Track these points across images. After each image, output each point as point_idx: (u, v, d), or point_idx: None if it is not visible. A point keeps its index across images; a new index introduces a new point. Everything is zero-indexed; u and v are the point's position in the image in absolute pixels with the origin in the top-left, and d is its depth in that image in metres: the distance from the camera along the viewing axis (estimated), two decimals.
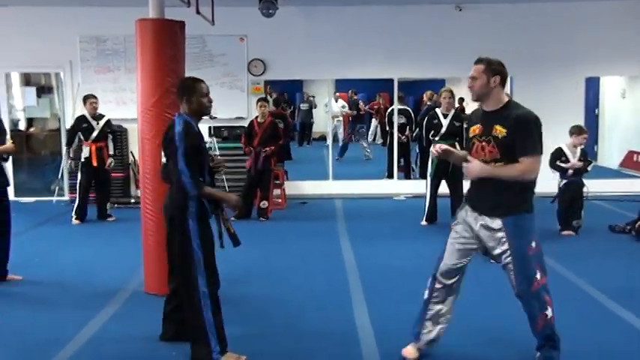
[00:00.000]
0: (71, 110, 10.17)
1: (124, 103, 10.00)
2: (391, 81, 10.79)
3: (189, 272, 3.82)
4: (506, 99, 3.62)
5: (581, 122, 9.12)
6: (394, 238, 7.51)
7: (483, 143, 3.54)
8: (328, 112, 12.13)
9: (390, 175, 11.10)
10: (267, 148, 8.63)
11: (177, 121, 3.84)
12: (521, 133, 3.47)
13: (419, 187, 9.41)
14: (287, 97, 16.23)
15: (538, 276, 3.62)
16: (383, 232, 7.92)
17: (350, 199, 10.27)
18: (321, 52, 10.30)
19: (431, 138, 8.13)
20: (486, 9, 10.16)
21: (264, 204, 8.72)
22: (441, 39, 10.26)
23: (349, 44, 10.27)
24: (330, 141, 11.41)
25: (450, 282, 3.92)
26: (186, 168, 3.71)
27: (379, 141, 16.21)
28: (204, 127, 9.84)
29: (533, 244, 3.62)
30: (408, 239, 7.45)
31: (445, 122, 8.04)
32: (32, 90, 11.23)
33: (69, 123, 10.11)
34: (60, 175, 10.12)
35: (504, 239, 3.61)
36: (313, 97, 17.28)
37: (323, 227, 8.23)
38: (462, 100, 13.79)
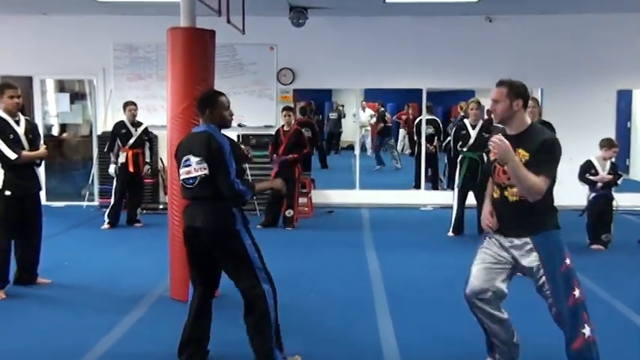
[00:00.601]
0: (103, 117, 10.34)
1: (155, 110, 10.13)
2: (420, 91, 10.77)
3: (253, 278, 3.89)
4: (529, 122, 3.59)
5: (612, 135, 9.01)
6: (420, 249, 7.48)
7: (506, 167, 3.44)
8: (356, 122, 12.13)
9: (418, 186, 11.06)
10: (291, 155, 8.65)
11: (214, 134, 3.85)
12: (544, 154, 3.42)
13: (446, 197, 9.38)
14: (314, 106, 16.26)
15: (577, 292, 3.52)
16: (409, 242, 7.88)
17: (377, 208, 10.25)
18: (350, 62, 10.33)
19: (459, 149, 8.10)
20: (516, 20, 10.09)
21: (289, 212, 8.75)
22: (470, 50, 10.22)
23: (378, 54, 10.29)
24: (357, 150, 11.41)
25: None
26: (236, 178, 3.81)
27: (407, 151, 16.17)
28: (233, 134, 9.99)
29: (567, 261, 3.54)
30: (435, 250, 7.41)
31: (473, 133, 8.01)
32: (66, 96, 11.45)
33: (100, 129, 10.30)
34: (90, 181, 10.28)
35: (536, 256, 3.53)
36: (342, 106, 17.31)
37: (349, 236, 8.23)
38: (489, 111, 13.69)
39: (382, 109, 15.60)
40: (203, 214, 3.84)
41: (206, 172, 3.79)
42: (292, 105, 10.20)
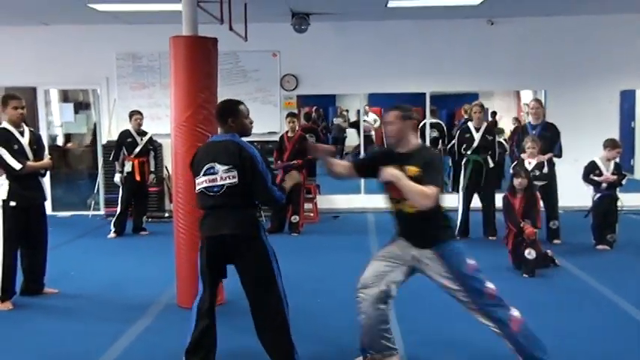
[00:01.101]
0: (107, 126, 10.37)
1: (159, 118, 10.15)
2: (423, 95, 10.77)
3: (276, 287, 3.98)
4: (418, 142, 3.93)
5: (616, 135, 8.98)
6: None
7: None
8: (361, 127, 12.13)
9: None
10: (295, 161, 8.66)
11: (242, 143, 3.92)
12: (431, 170, 3.67)
13: (451, 200, 9.34)
14: (322, 113, 16.27)
15: (489, 285, 3.84)
16: None
17: (382, 213, 10.17)
18: (353, 67, 10.34)
19: (463, 152, 8.10)
20: (519, 22, 10.09)
21: (295, 218, 8.75)
22: (473, 53, 10.22)
23: (381, 59, 10.30)
24: (362, 155, 11.40)
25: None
26: (272, 184, 3.91)
27: None
28: None
29: (470, 261, 3.83)
30: None
31: (477, 136, 8.01)
32: (70, 106, 11.49)
33: (105, 138, 10.33)
34: (96, 190, 10.31)
35: (441, 265, 3.83)
36: (347, 111, 17.30)
37: (355, 241, 8.21)
38: (494, 113, 13.71)
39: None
40: (231, 221, 3.86)
41: (235, 180, 3.81)
42: (296, 111, 10.21)
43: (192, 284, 4.85)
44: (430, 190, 3.59)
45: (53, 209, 10.01)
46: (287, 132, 8.94)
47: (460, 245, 3.93)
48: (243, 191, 3.85)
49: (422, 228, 3.85)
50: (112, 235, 8.63)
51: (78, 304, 5.67)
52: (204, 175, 3.86)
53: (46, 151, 6.05)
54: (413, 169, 3.68)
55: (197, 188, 3.92)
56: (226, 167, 3.81)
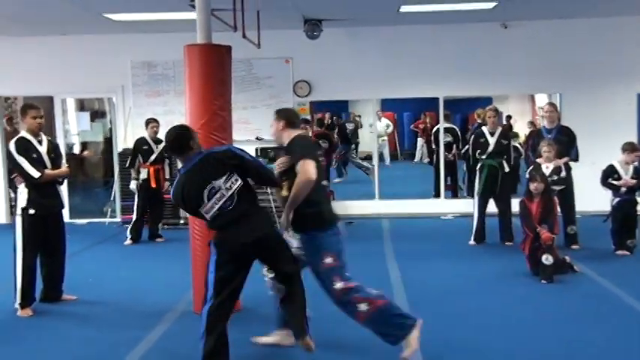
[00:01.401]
0: (123, 134, 10.44)
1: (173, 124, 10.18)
2: (437, 100, 10.76)
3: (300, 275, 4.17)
4: (292, 135, 4.34)
5: (634, 139, 8.93)
6: (442, 258, 7.44)
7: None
8: (373, 132, 12.12)
9: (437, 195, 11.02)
10: None
11: (214, 150, 4.15)
12: (290, 151, 4.22)
13: (466, 206, 9.32)
14: (335, 119, 16.28)
15: (338, 286, 4.10)
16: (430, 251, 7.85)
17: (397, 218, 10.22)
18: (366, 72, 10.35)
19: (477, 156, 8.07)
20: (533, 25, 10.05)
21: None
22: (486, 57, 10.19)
23: (394, 64, 10.30)
24: (375, 160, 11.41)
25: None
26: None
27: (425, 160, 16.13)
28: (250, 148, 10.07)
29: (328, 259, 4.10)
30: (456, 259, 7.36)
31: (492, 140, 7.98)
32: (86, 115, 11.61)
33: (120, 146, 10.40)
34: (112, 198, 10.38)
35: (304, 251, 4.23)
36: (359, 116, 17.31)
37: (369, 247, 8.20)
38: (509, 117, 13.65)
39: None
40: (260, 222, 3.99)
41: (239, 181, 3.92)
42: (309, 117, 10.21)
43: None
44: (299, 165, 3.98)
45: (70, 217, 10.07)
46: None
47: (326, 239, 4.13)
48: (248, 188, 3.98)
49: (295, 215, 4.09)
50: (128, 242, 8.68)
51: (96, 310, 5.71)
52: (208, 199, 3.87)
53: (64, 160, 6.10)
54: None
55: (209, 215, 3.92)
56: (224, 177, 3.88)
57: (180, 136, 4.04)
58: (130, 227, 8.78)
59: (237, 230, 3.91)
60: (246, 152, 4.08)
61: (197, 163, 3.94)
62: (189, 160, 3.97)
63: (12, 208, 7.74)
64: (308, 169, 3.97)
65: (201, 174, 3.90)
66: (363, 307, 4.12)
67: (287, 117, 4.53)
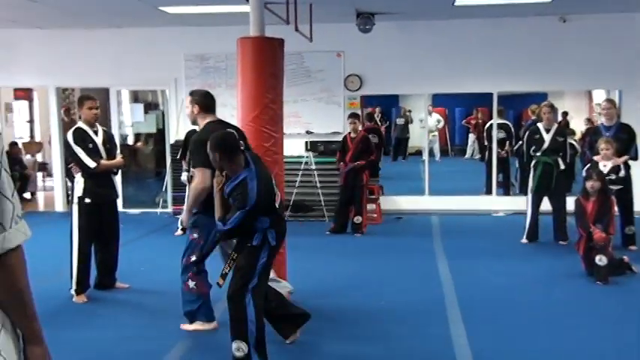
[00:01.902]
0: (175, 126, 10.60)
1: (225, 118, 10.24)
2: (489, 95, 10.57)
3: None
4: (207, 121, 4.67)
5: None
6: (493, 256, 7.31)
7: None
8: (424, 127, 12.00)
9: (489, 191, 10.84)
10: (357, 163, 8.63)
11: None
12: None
13: (518, 203, 9.15)
14: (383, 113, 16.19)
15: (191, 258, 4.74)
16: (481, 249, 7.73)
17: (447, 215, 10.10)
18: (418, 67, 10.23)
19: (532, 153, 7.89)
20: (593, 19, 9.75)
21: (357, 219, 8.72)
22: (543, 51, 9.95)
23: (447, 58, 10.16)
24: (426, 156, 11.29)
25: None
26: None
27: (477, 156, 15.90)
28: (300, 141, 10.10)
29: (195, 235, 4.70)
30: (508, 258, 7.23)
31: (547, 137, 7.79)
32: (140, 106, 11.81)
33: (173, 138, 10.56)
34: (164, 188, 10.55)
35: None
36: (409, 111, 17.17)
37: (418, 243, 8.14)
38: (565, 114, 13.32)
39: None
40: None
41: None
42: (359, 111, 10.17)
43: None
44: (198, 172, 4.45)
45: (124, 206, 10.27)
46: (349, 133, 8.92)
47: (204, 221, 4.58)
48: None
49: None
50: (179, 232, 8.79)
51: (148, 298, 5.81)
52: (277, 195, 4.10)
53: (118, 150, 6.23)
54: None
55: (277, 202, 4.09)
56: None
57: (233, 136, 4.04)
58: (180, 218, 8.90)
59: (282, 224, 4.16)
60: None
61: (254, 160, 4.01)
62: (242, 160, 3.96)
63: (69, 197, 7.93)
64: (204, 179, 4.37)
65: (264, 168, 4.08)
66: (192, 284, 4.77)
67: (201, 101, 4.70)
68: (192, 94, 4.78)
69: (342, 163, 8.80)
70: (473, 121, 16.06)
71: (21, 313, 1.71)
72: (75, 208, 5.74)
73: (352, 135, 8.84)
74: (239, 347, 3.92)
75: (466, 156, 16.86)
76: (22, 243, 1.67)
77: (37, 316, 1.75)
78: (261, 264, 4.02)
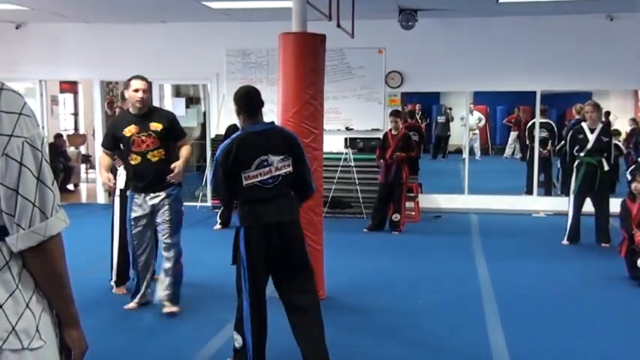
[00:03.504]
0: (216, 120, 10.69)
1: (265, 114, 10.25)
2: (532, 94, 10.40)
3: (314, 279, 3.97)
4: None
5: None
6: (533, 258, 7.20)
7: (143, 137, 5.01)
8: (465, 125, 11.87)
9: (530, 191, 10.68)
10: (397, 153, 8.59)
11: (289, 131, 4.14)
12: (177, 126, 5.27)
13: (560, 204, 9.00)
14: (423, 110, 16.07)
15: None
16: (521, 250, 7.62)
17: (486, 214, 9.98)
18: (460, 64, 10.12)
19: (575, 153, 7.75)
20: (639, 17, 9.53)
21: (396, 217, 8.68)
22: (588, 50, 9.75)
23: (489, 55, 10.03)
24: (466, 154, 11.17)
25: None
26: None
27: (518, 155, 15.67)
28: (340, 138, 10.09)
29: (182, 209, 5.11)
30: (548, 259, 7.11)
31: (592, 137, 7.63)
32: (182, 100, 11.95)
33: (213, 132, 10.66)
34: (203, 182, 10.66)
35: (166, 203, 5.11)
36: (450, 109, 17.03)
37: (457, 242, 8.06)
38: (607, 113, 13.03)
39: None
40: (289, 207, 3.84)
41: (290, 169, 3.81)
42: (400, 109, 10.11)
43: None
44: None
45: None
46: (390, 130, 8.88)
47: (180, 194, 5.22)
48: (294, 179, 3.86)
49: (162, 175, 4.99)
50: (217, 226, 8.90)
51: (186, 291, 5.85)
52: (256, 169, 3.74)
53: None
54: (156, 125, 5.04)
55: (246, 182, 3.76)
56: (281, 157, 3.79)
57: (255, 94, 3.97)
58: (219, 212, 8.99)
59: (265, 209, 3.78)
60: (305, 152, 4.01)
61: (265, 131, 3.86)
62: (256, 123, 3.89)
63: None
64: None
65: (265, 142, 3.80)
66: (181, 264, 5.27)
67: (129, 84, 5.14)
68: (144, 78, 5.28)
69: (381, 160, 8.76)
70: (513, 120, 15.85)
71: (60, 296, 1.78)
72: (117, 200, 5.82)
73: (393, 132, 8.80)
74: (236, 339, 3.99)
75: (505, 155, 16.66)
76: (62, 230, 1.73)
77: (74, 301, 1.83)
78: (244, 268, 3.79)
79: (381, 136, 9.12)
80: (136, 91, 5.12)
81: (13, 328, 1.67)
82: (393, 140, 8.73)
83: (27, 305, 1.71)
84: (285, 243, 3.81)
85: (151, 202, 5.09)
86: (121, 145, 5.12)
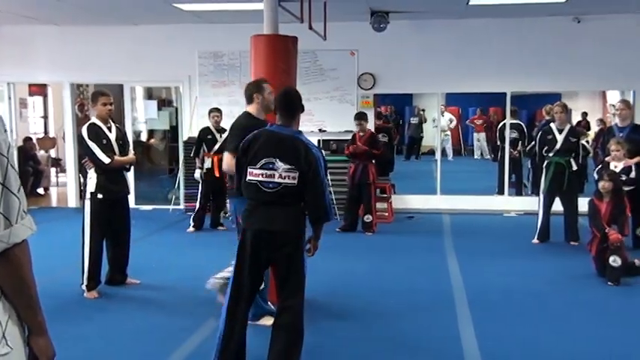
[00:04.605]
0: (188, 123, 10.64)
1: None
2: (503, 95, 10.54)
3: (304, 286, 3.87)
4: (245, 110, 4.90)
5: None
6: (504, 257, 7.29)
7: None
8: (437, 127, 11.98)
9: (501, 191, 10.81)
10: (357, 145, 8.69)
11: (309, 143, 3.79)
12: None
13: (530, 203, 9.12)
14: (393, 111, 16.18)
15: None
16: (492, 249, 7.71)
17: (458, 214, 10.08)
18: (432, 66, 10.21)
19: (544, 154, 7.87)
20: (608, 20, 9.69)
21: (368, 218, 8.73)
22: (557, 52, 9.90)
23: (461, 57, 10.13)
24: (438, 155, 11.27)
25: None
26: (327, 195, 3.79)
27: (487, 156, 15.88)
28: (313, 139, 10.07)
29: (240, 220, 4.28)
30: (519, 258, 7.21)
31: (560, 137, 7.75)
32: (153, 103, 11.87)
33: (186, 135, 10.61)
34: (176, 185, 10.60)
35: None
36: (423, 110, 17.17)
37: (430, 242, 8.13)
38: (585, 114, 13.28)
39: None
40: (284, 217, 3.74)
41: (295, 182, 3.68)
42: (372, 110, 10.12)
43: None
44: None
45: (136, 202, 10.35)
46: (358, 131, 8.94)
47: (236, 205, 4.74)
48: (299, 191, 3.72)
49: None
50: (191, 229, 8.85)
51: (158, 295, 5.85)
52: (261, 168, 3.71)
53: (131, 147, 6.27)
54: None
55: (249, 178, 3.76)
56: (288, 167, 3.67)
57: (294, 97, 3.91)
58: (193, 215, 8.95)
59: (260, 213, 3.77)
60: (324, 177, 3.77)
61: (286, 136, 3.77)
62: (286, 128, 3.82)
63: (81, 192, 7.99)
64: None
65: (278, 145, 3.74)
66: None
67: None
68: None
69: (354, 146, 8.79)
70: (478, 121, 16.06)
71: (26, 305, 1.75)
72: (87, 203, 5.77)
73: (361, 134, 8.88)
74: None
75: (475, 156, 16.86)
76: (28, 237, 1.70)
77: (41, 309, 1.80)
78: (234, 267, 3.84)
79: (350, 137, 9.17)
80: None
81: None
82: (360, 140, 8.81)
83: None
84: (269, 252, 3.78)
85: None
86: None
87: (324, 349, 4.45)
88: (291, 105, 3.88)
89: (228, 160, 4.48)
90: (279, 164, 3.69)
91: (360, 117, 8.92)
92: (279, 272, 3.86)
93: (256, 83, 4.87)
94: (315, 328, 4.59)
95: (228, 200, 4.62)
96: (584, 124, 13.40)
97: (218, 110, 8.96)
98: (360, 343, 4.60)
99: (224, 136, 8.86)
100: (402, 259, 7.26)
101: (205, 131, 8.96)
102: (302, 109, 3.92)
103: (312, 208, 3.76)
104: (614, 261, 5.98)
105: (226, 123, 9.24)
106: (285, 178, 3.69)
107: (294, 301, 3.79)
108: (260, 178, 3.73)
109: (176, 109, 11.54)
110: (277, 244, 3.76)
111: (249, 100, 4.84)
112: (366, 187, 8.73)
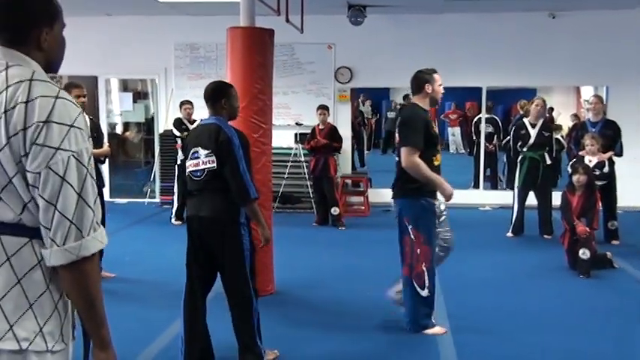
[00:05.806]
0: (164, 115, 10.56)
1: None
2: (480, 89, 10.61)
3: (246, 277, 3.88)
4: None
5: None
6: (478, 250, 7.34)
7: None
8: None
9: (476, 185, 10.90)
10: (317, 139, 8.77)
11: (223, 126, 3.85)
12: None
13: (505, 197, 9.21)
14: (362, 103, 16.17)
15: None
16: (467, 242, 7.68)
17: None
18: (409, 60, 10.16)
19: (518, 148, 7.95)
20: (582, 16, 9.81)
21: (334, 210, 8.76)
22: (532, 47, 10.00)
23: (438, 52, 10.16)
24: None
25: None
26: (248, 171, 3.82)
27: (462, 150, 15.99)
28: (290, 133, 10.10)
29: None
30: (493, 251, 7.29)
31: (533, 132, 7.84)
32: (129, 95, 11.75)
33: (162, 128, 10.53)
34: (152, 178, 10.52)
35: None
36: (400, 105, 17.23)
37: None
38: (551, 109, 13.39)
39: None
40: (210, 203, 3.83)
41: (214, 165, 3.78)
42: (349, 104, 10.14)
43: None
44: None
45: (111, 196, 10.27)
46: (318, 125, 8.95)
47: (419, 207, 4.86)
48: (222, 175, 3.79)
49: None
50: (176, 222, 8.69)
51: (133, 288, 5.82)
52: (190, 159, 3.89)
53: (105, 139, 6.20)
54: None
55: (187, 171, 3.94)
56: (207, 152, 3.81)
57: (216, 88, 4.05)
58: (175, 211, 8.78)
59: (192, 202, 3.95)
60: (240, 155, 3.78)
61: (205, 125, 3.95)
62: (209, 118, 3.96)
63: None
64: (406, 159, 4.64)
65: (200, 134, 3.91)
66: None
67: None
68: None
69: (314, 140, 8.83)
70: (452, 116, 16.16)
71: (89, 316, 1.75)
72: None
73: (320, 127, 8.89)
74: None
75: (451, 150, 16.96)
76: (97, 251, 1.67)
77: (106, 323, 1.80)
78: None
79: (310, 131, 9.20)
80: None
81: (41, 330, 1.65)
82: (320, 135, 8.84)
83: (56, 307, 1.68)
84: (204, 239, 3.89)
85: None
86: None
87: (297, 340, 4.46)
88: (207, 96, 4.00)
89: (415, 159, 4.55)
90: (202, 152, 3.84)
91: (324, 107, 8.98)
92: (217, 260, 3.91)
93: (428, 72, 4.76)
94: (288, 319, 4.65)
95: None
96: (549, 120, 13.55)
97: (190, 103, 8.91)
98: (334, 336, 4.62)
99: None
100: (379, 252, 7.26)
101: (178, 122, 8.87)
102: (226, 94, 3.97)
103: (233, 189, 3.78)
104: (584, 253, 6.08)
105: (202, 116, 9.23)
106: (206, 163, 3.82)
107: (234, 280, 3.89)
108: (190, 168, 3.90)
109: (152, 101, 11.45)
110: (209, 230, 3.86)
111: (418, 90, 4.69)
112: (327, 180, 8.77)
